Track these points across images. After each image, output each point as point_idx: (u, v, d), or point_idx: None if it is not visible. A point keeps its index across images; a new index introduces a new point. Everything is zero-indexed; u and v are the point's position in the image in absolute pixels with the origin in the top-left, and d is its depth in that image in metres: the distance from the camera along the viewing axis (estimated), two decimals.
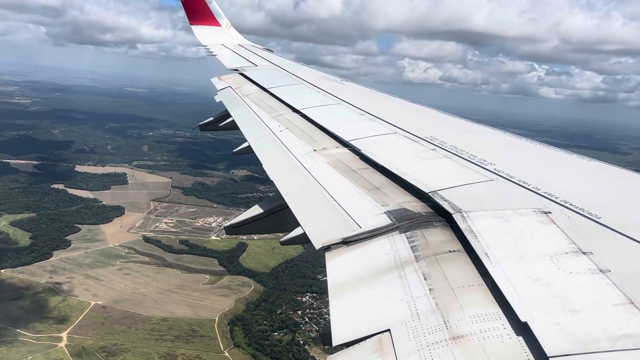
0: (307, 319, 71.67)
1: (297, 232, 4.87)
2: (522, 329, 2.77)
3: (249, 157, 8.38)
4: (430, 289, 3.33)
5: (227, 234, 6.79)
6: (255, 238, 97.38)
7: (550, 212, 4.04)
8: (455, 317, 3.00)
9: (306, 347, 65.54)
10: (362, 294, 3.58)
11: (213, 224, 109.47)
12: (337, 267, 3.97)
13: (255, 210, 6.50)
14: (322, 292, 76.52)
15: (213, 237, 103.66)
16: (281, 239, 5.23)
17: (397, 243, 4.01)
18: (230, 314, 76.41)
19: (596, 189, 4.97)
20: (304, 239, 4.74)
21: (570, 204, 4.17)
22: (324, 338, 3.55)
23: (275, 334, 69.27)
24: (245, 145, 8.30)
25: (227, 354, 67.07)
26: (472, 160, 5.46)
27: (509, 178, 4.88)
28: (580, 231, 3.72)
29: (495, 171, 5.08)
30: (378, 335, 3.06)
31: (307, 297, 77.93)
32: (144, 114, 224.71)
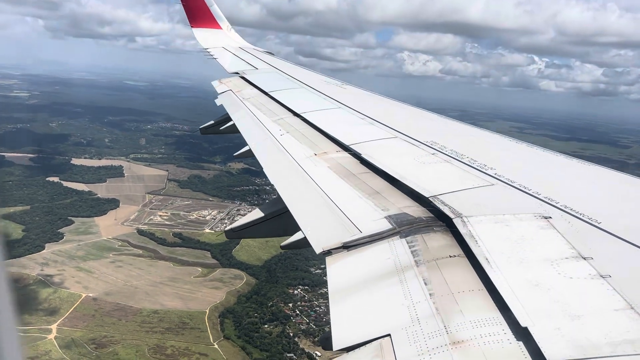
0: (297, 312, 71.73)
1: (297, 236, 4.87)
2: (523, 334, 2.77)
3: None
4: (430, 294, 3.33)
5: (227, 237, 6.79)
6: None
7: (550, 217, 4.05)
8: (455, 322, 3.01)
9: (296, 339, 65.59)
10: (363, 298, 3.58)
11: (207, 217, 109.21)
12: (337, 271, 3.97)
13: (256, 214, 6.50)
14: (314, 284, 76.60)
15: (207, 230, 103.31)
16: (282, 244, 5.23)
17: (398, 248, 4.01)
18: (221, 307, 76.31)
19: (596, 194, 4.98)
20: (304, 244, 4.75)
21: (571, 209, 4.18)
22: (325, 343, 3.55)
23: (266, 326, 69.28)
24: (246, 149, 8.32)
25: (216, 345, 67.07)
26: (472, 165, 5.47)
27: (509, 183, 4.89)
28: (581, 236, 3.73)
29: (495, 176, 5.09)
30: (378, 340, 3.06)
31: (298, 289, 77.84)
32: (143, 107, 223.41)
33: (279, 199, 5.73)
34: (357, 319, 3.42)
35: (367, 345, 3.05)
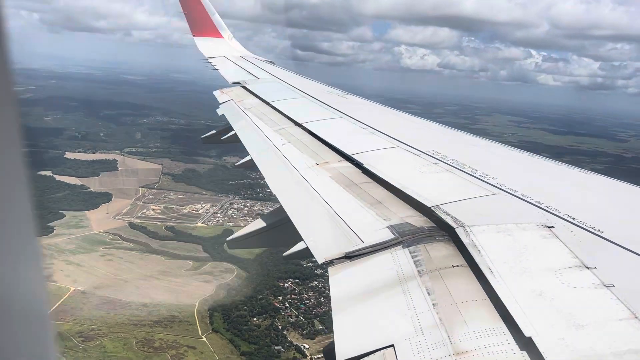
0: (287, 305, 71.59)
1: (299, 246, 4.86)
2: (527, 344, 2.76)
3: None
4: (433, 304, 3.32)
5: (229, 248, 6.80)
6: (242, 225, 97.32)
7: (553, 227, 4.04)
8: (459, 332, 3.00)
9: (284, 332, 65.50)
10: (366, 309, 3.57)
11: (200, 211, 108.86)
12: (340, 282, 3.96)
13: (258, 224, 6.50)
14: (304, 277, 76.45)
15: (199, 224, 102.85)
16: (284, 254, 5.23)
17: (400, 258, 4.01)
18: (210, 300, 76.20)
19: (599, 203, 4.98)
20: (306, 254, 4.74)
21: (573, 218, 4.18)
22: (328, 354, 3.54)
23: (255, 319, 69.16)
24: (247, 158, 8.33)
25: (204, 338, 66.95)
26: (474, 174, 5.47)
27: (512, 192, 4.89)
28: (584, 245, 3.72)
29: (497, 185, 5.09)
30: (382, 350, 3.05)
31: (289, 282, 77.65)
32: (140, 101, 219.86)
33: (281, 209, 5.73)
34: (360, 330, 3.40)
35: (370, 355, 3.04)
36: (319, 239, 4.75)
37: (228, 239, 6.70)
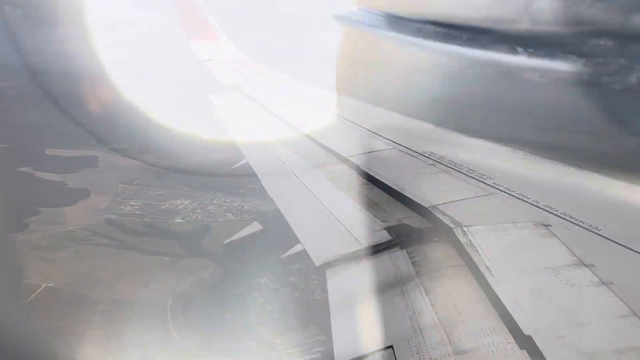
0: (263, 300, 71.54)
1: (296, 249, 4.84)
2: (526, 342, 2.75)
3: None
4: (432, 304, 3.31)
5: (226, 250, 6.77)
6: (220, 221, 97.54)
7: (550, 225, 4.04)
8: (458, 332, 2.98)
9: (258, 327, 65.44)
10: (364, 310, 3.56)
11: (180, 207, 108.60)
12: (338, 284, 3.95)
13: (255, 227, 6.47)
14: (281, 272, 76.38)
15: (178, 220, 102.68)
16: (281, 256, 5.20)
17: (398, 259, 4.00)
18: (185, 295, 75.95)
19: (595, 201, 4.97)
20: (304, 256, 4.72)
21: (570, 217, 4.18)
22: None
23: (228, 315, 68.94)
24: (243, 162, 8.31)
25: (175, 334, 66.81)
26: (470, 175, 5.47)
27: (508, 192, 4.89)
28: (581, 243, 3.72)
29: (494, 185, 5.09)
30: (381, 352, 3.03)
31: (265, 278, 77.55)
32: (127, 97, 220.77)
33: (278, 212, 5.71)
34: (358, 331, 3.39)
35: (369, 357, 3.03)
36: (316, 241, 4.74)
37: (225, 242, 6.68)
